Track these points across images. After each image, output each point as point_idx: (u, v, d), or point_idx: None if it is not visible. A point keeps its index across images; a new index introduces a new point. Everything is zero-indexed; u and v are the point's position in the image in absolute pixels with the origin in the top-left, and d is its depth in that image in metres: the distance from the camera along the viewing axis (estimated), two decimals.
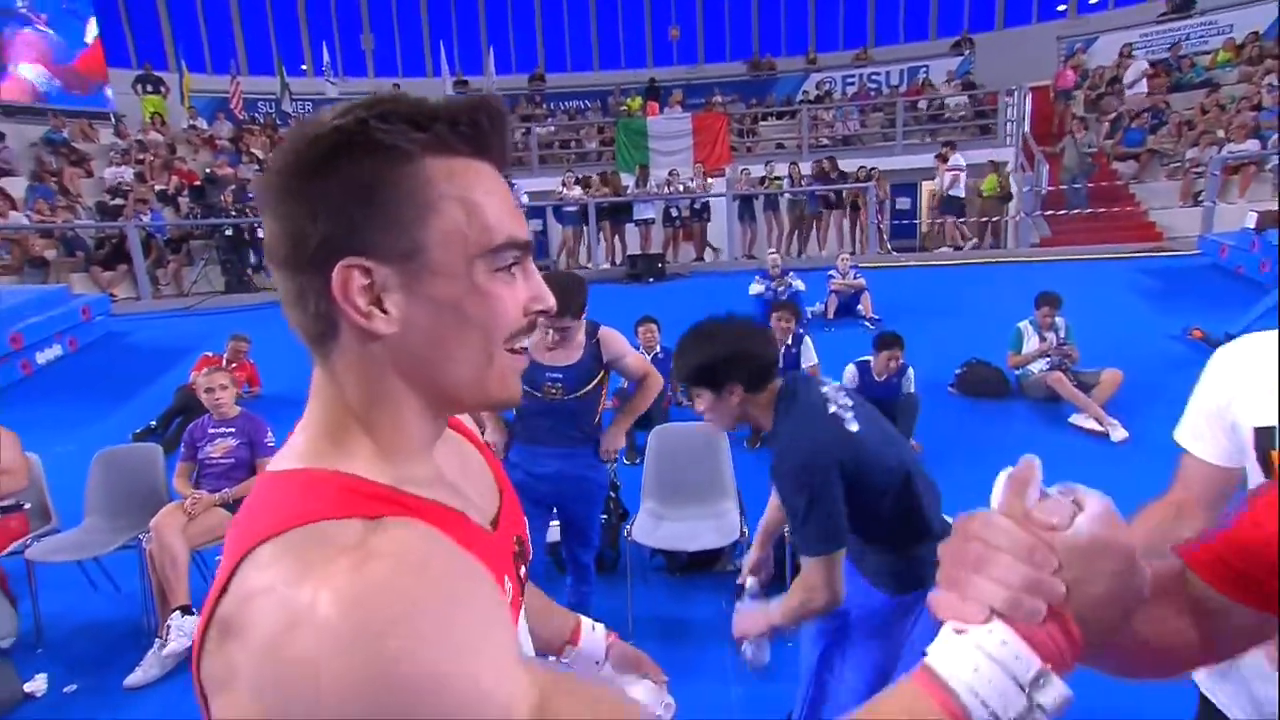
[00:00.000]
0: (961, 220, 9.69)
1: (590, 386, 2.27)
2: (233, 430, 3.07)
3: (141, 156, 10.24)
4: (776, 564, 2.11)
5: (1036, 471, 0.46)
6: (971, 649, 0.43)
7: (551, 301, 0.54)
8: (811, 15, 15.99)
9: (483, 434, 2.38)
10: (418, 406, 0.52)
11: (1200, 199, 8.30)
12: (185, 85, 12.51)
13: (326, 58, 13.80)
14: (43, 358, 5.85)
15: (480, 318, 0.50)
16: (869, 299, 6.59)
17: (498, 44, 15.52)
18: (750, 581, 1.86)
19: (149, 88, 12.02)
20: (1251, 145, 8.40)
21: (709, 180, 10.37)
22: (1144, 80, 10.53)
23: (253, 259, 8.40)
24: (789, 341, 4.46)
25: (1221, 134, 8.78)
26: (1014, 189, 9.73)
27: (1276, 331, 0.91)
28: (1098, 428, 4.28)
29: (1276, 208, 6.51)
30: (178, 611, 2.69)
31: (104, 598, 3.19)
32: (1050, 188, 9.61)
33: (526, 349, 0.56)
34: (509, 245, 0.51)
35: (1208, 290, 6.37)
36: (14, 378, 5.62)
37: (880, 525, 1.45)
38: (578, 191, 9.93)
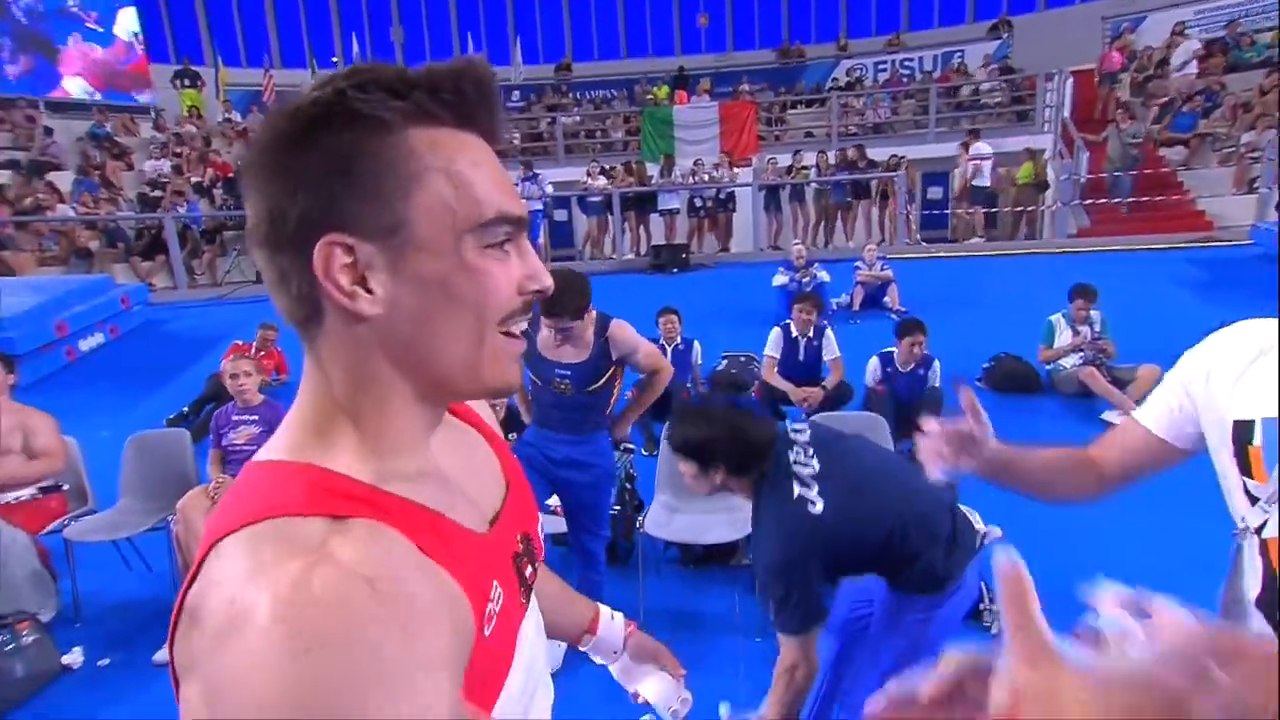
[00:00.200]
0: (990, 210, 9.41)
1: (600, 383, 2.27)
2: (255, 417, 3.15)
3: (179, 149, 10.55)
4: None
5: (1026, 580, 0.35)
6: None
7: (548, 281, 0.51)
8: (843, 1, 15.64)
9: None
10: (408, 394, 0.50)
11: (1255, 186, 7.91)
12: (221, 79, 12.83)
13: (356, 49, 13.99)
14: (86, 345, 6.09)
15: (471, 297, 0.47)
16: (896, 291, 6.45)
17: (525, 34, 15.57)
18: (725, 708, 1.90)
19: (187, 82, 12.36)
20: None
21: (735, 170, 10.26)
22: (1194, 61, 10.05)
23: None
24: (810, 334, 4.39)
25: None
26: (1051, 177, 9.41)
27: (1272, 322, 0.87)
28: None
29: None
30: None
31: (137, 576, 3.31)
32: (1090, 175, 9.26)
33: (527, 333, 0.53)
34: (500, 220, 0.48)
35: (1259, 281, 6.07)
36: (59, 364, 5.86)
37: (885, 556, 1.52)
38: (602, 181, 9.91)
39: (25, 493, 3.11)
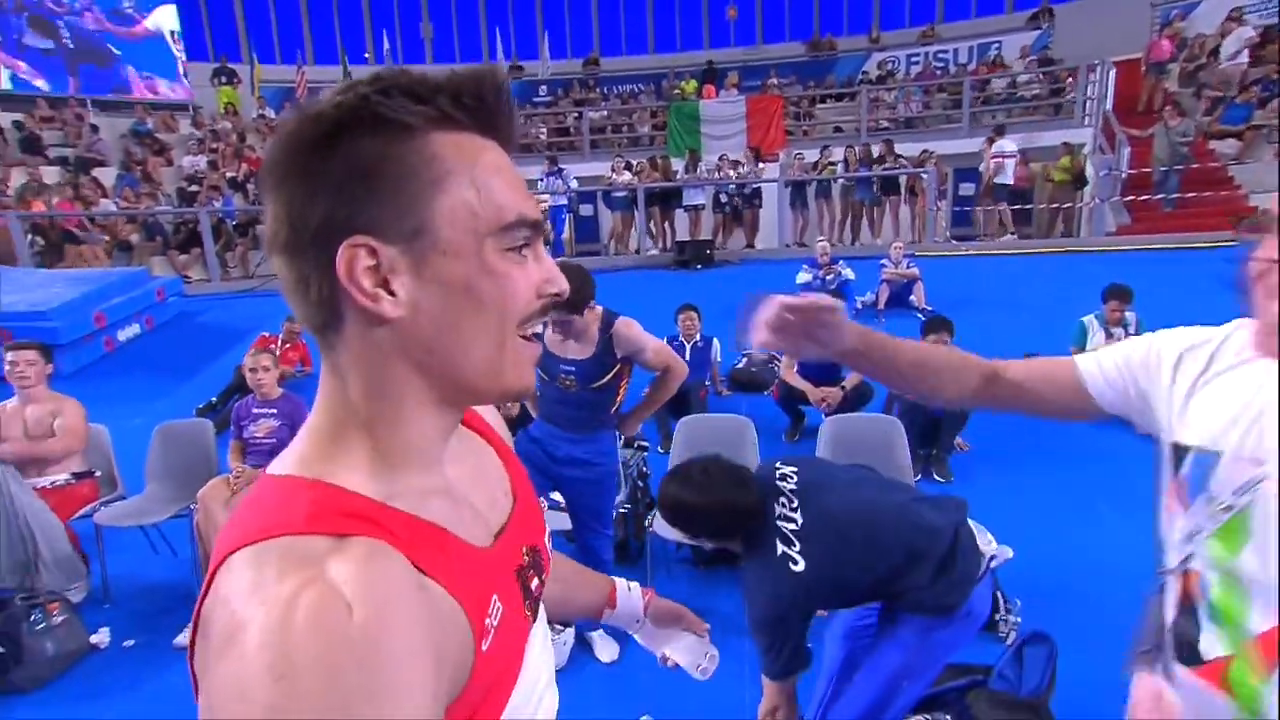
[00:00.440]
0: (1016, 207, 9.12)
1: (605, 380, 2.25)
2: (274, 411, 3.21)
3: (215, 145, 10.84)
4: None
5: None
6: None
7: (564, 284, 0.52)
8: None
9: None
10: (427, 398, 0.50)
11: None
12: (255, 76, 13.14)
13: (387, 46, 14.19)
14: (123, 335, 6.30)
15: (493, 299, 0.48)
16: (922, 289, 6.31)
17: (553, 28, 15.59)
18: None
19: (224, 79, 12.70)
20: None
21: (761, 166, 10.14)
22: (1246, 50, 9.56)
23: None
24: None
25: None
26: (1090, 173, 9.08)
27: (1236, 335, 0.85)
28: None
29: None
30: None
31: (163, 560, 3.41)
32: (1132, 170, 8.91)
33: (540, 337, 0.55)
34: (520, 224, 0.49)
35: None
36: (98, 354, 6.07)
37: (875, 595, 1.56)
38: (627, 176, 9.89)
39: (60, 478, 3.23)
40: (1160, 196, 8.54)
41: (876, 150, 9.84)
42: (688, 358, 4.57)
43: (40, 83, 11.91)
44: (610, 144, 12.19)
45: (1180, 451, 0.82)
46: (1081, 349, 4.47)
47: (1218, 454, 0.78)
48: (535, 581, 0.59)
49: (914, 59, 13.81)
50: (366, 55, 15.61)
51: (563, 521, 2.69)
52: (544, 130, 12.28)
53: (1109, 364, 0.93)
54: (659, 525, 2.84)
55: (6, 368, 3.21)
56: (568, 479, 2.38)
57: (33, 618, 2.63)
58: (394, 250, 0.45)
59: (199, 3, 14.87)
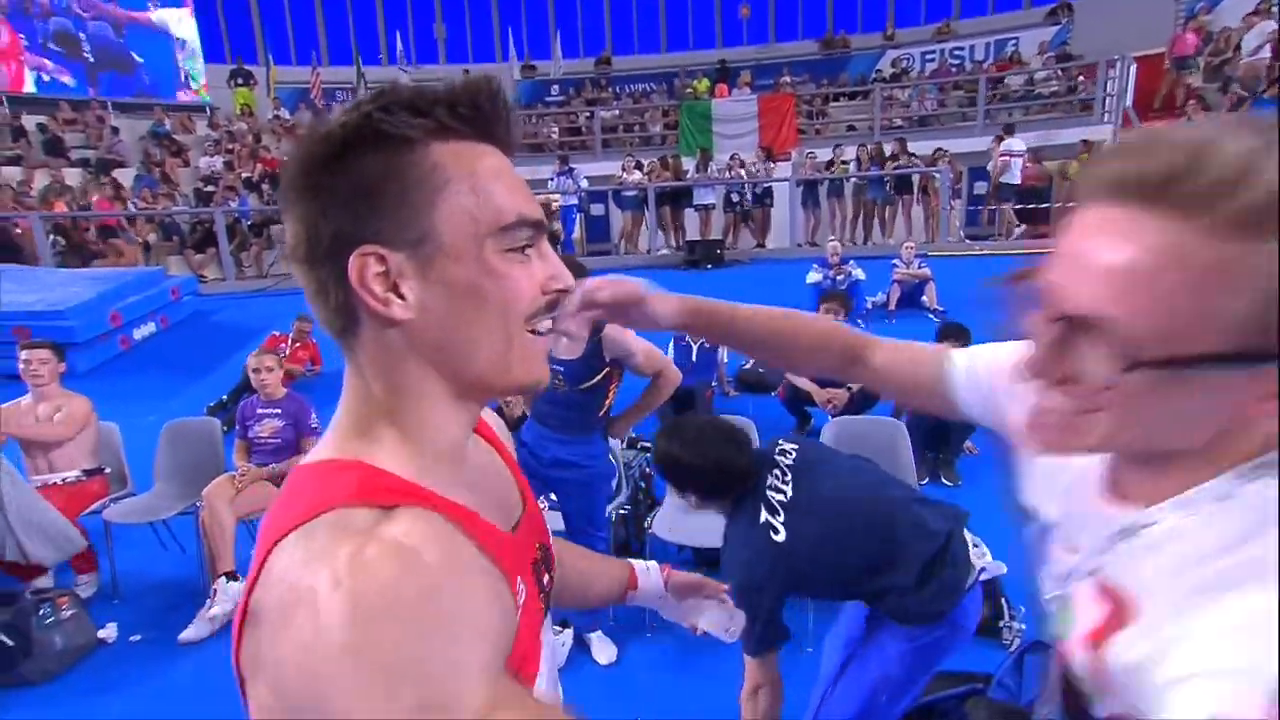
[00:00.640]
0: (1028, 207, 8.97)
1: (594, 382, 2.24)
2: (279, 411, 3.23)
3: (231, 146, 10.98)
4: None
5: None
6: None
7: (570, 280, 0.54)
8: None
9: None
10: (444, 393, 0.52)
11: None
12: (271, 77, 13.30)
13: (400, 46, 14.29)
14: (139, 334, 6.40)
15: (496, 298, 0.50)
16: (934, 289, 6.23)
17: (565, 28, 15.61)
18: None
19: (240, 81, 12.87)
20: None
21: (772, 165, 10.07)
22: (1268, 45, 9.30)
23: None
24: None
25: None
26: None
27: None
28: None
29: None
30: (224, 577, 2.87)
31: (172, 557, 3.46)
32: None
33: (552, 331, 0.56)
34: (520, 224, 0.51)
35: None
36: (113, 352, 6.17)
37: (854, 589, 1.52)
38: (637, 176, 9.87)
39: (70, 475, 3.28)
40: None
41: (889, 149, 9.73)
42: (694, 358, 4.54)
43: (67, 79, 12.12)
44: (622, 143, 12.18)
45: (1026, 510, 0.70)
46: None
47: (1044, 526, 0.65)
48: (546, 577, 0.62)
49: (929, 56, 13.65)
50: (381, 56, 15.74)
51: (559, 522, 2.69)
52: (555, 130, 12.29)
53: (981, 364, 0.77)
54: (659, 526, 2.82)
55: (21, 366, 3.27)
56: (556, 480, 2.37)
57: (41, 612, 2.67)
58: (401, 256, 0.48)
59: (216, 6, 15.08)
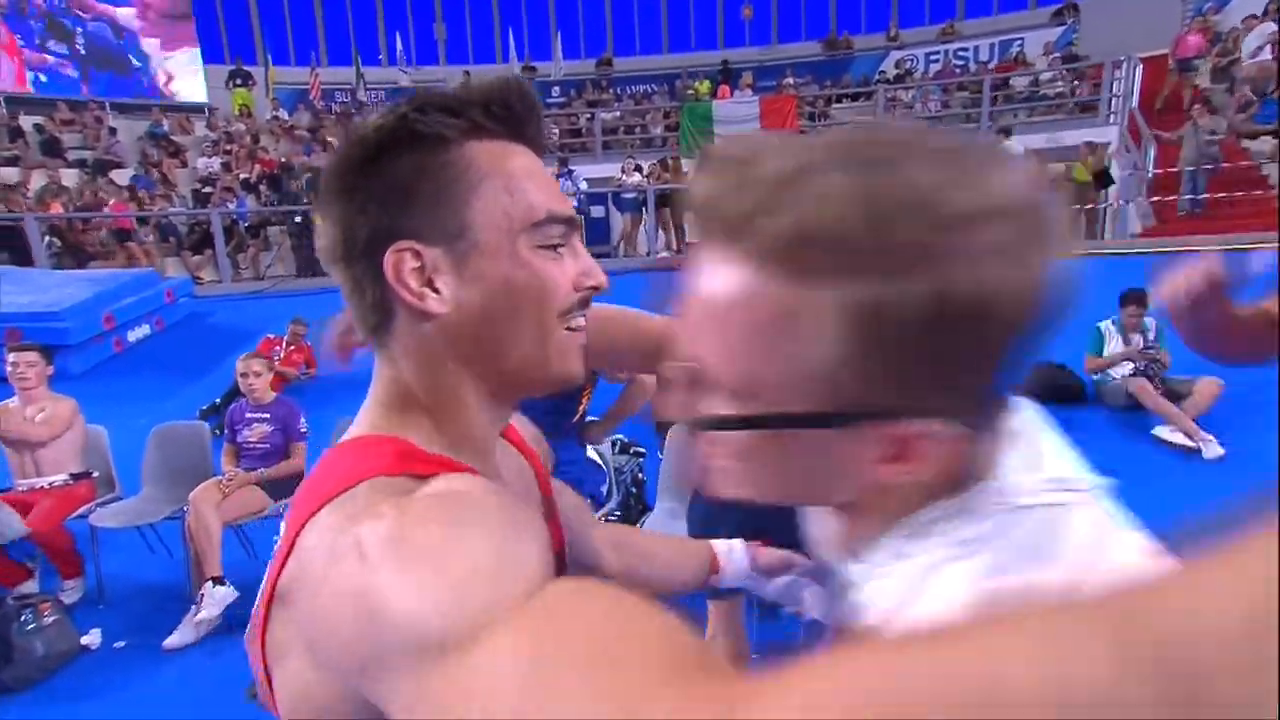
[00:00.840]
0: None
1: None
2: (267, 416, 3.20)
3: (229, 147, 10.98)
4: None
5: None
6: None
7: (603, 278, 0.55)
8: None
9: None
10: (478, 390, 0.53)
11: None
12: (270, 78, 13.30)
13: (400, 47, 14.29)
14: (133, 336, 6.38)
15: (531, 294, 0.51)
16: None
17: (566, 29, 15.57)
18: None
19: (239, 82, 12.87)
20: None
21: None
22: (1269, 46, 9.21)
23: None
24: None
25: None
26: (1115, 173, 8.82)
27: None
28: (1188, 442, 3.82)
29: None
30: (210, 582, 2.84)
31: (159, 562, 3.42)
32: (1158, 170, 8.64)
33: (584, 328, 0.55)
34: (551, 220, 0.51)
35: None
36: (107, 355, 6.14)
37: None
38: (637, 178, 9.84)
39: (57, 479, 3.26)
40: (1189, 197, 8.25)
41: None
42: None
43: (70, 70, 12.10)
44: (622, 145, 12.14)
45: None
46: (1098, 355, 4.33)
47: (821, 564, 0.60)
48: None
49: (933, 57, 13.59)
50: (380, 57, 15.74)
51: None
52: (555, 131, 12.27)
53: None
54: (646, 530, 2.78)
55: (9, 368, 3.25)
56: None
57: (23, 618, 2.63)
58: (436, 252, 0.49)
59: (214, 6, 15.10)
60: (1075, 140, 9.28)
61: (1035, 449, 0.42)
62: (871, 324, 0.32)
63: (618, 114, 13.04)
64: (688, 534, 1.41)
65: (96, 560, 3.15)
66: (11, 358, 3.26)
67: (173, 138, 11.30)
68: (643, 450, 3.58)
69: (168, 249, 9.02)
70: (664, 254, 9.50)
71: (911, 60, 13.66)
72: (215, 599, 2.82)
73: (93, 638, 2.82)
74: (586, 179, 10.15)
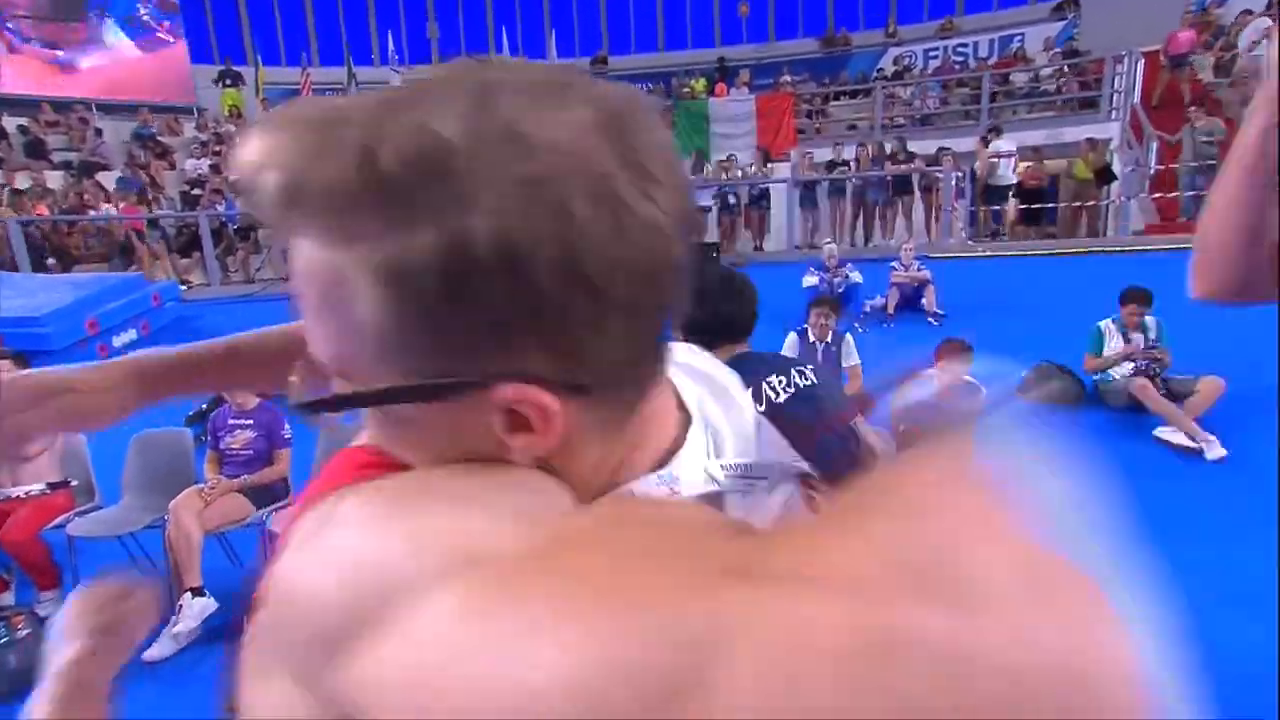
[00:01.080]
0: (1034, 206, 8.84)
1: None
2: (251, 422, 3.13)
3: (218, 148, 10.86)
4: None
5: None
6: None
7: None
8: None
9: None
10: None
11: None
12: (259, 78, 13.17)
13: (392, 46, 14.17)
14: (119, 341, 6.27)
15: None
16: (933, 292, 6.09)
17: (560, 26, 15.45)
18: None
19: (229, 82, 12.74)
20: None
21: (770, 166, 9.93)
22: (1265, 40, 9.12)
23: None
24: (828, 339, 4.13)
25: None
26: (1117, 169, 8.74)
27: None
28: (1189, 443, 3.74)
29: None
30: (189, 593, 2.76)
31: (140, 572, 3.33)
32: (1160, 167, 8.56)
33: None
34: None
35: None
36: (91, 360, 6.04)
37: None
38: None
39: (35, 488, 3.16)
40: (1190, 194, 8.16)
41: (889, 148, 9.60)
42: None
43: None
44: None
45: None
46: (1097, 354, 4.25)
47: None
48: None
49: (932, 53, 13.50)
50: (373, 56, 15.61)
51: None
52: None
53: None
54: None
55: None
56: None
57: None
58: None
59: (203, 6, 14.96)
60: (1076, 136, 9.21)
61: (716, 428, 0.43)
62: (401, 283, 0.30)
63: None
64: None
65: (75, 571, 3.06)
66: None
67: (160, 139, 11.18)
68: None
69: (155, 251, 8.91)
70: None
71: (910, 57, 13.58)
72: (194, 611, 2.75)
73: None
74: None
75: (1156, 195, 8.42)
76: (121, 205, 8.92)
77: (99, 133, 10.71)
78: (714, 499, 0.40)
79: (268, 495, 3.10)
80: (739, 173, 9.59)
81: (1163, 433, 3.90)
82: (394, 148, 0.29)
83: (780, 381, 1.40)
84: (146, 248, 8.52)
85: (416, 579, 0.26)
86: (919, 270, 6.22)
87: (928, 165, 9.09)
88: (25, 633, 2.62)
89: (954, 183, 8.65)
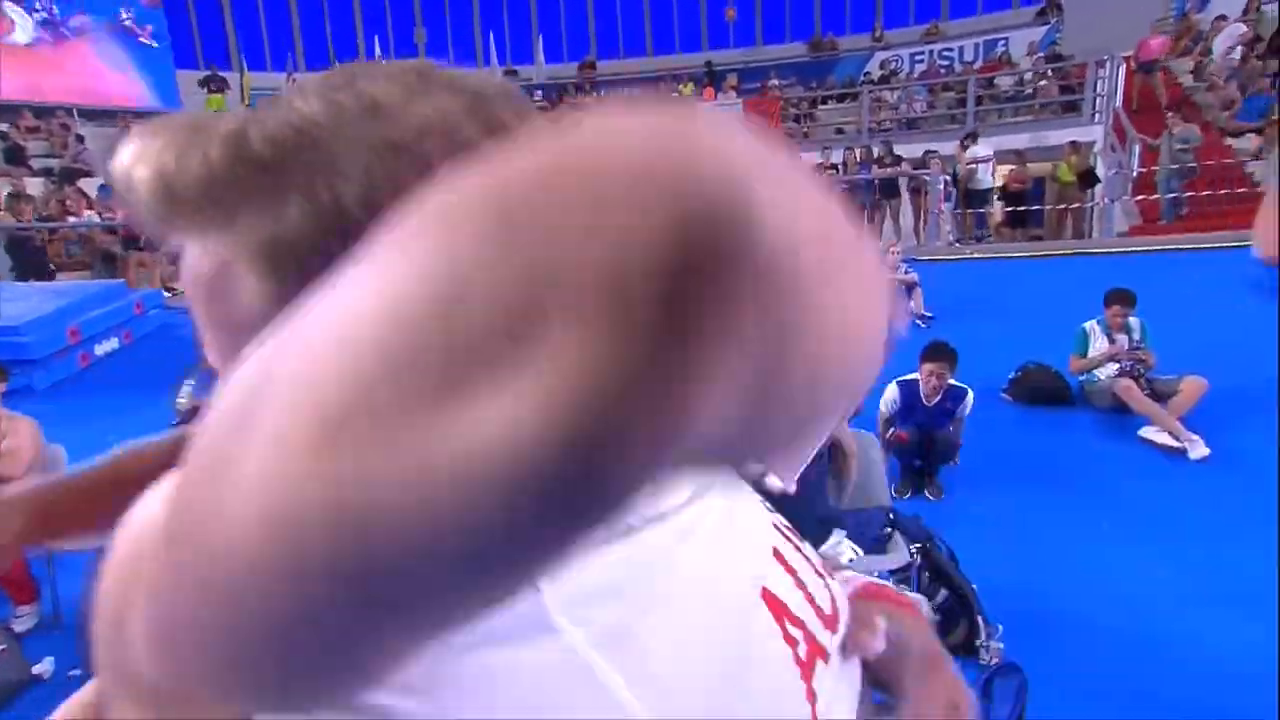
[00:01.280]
0: (1019, 209, 8.91)
1: None
2: None
3: None
4: None
5: None
6: None
7: None
8: None
9: None
10: None
11: None
12: (244, 83, 13.08)
13: (379, 50, 14.12)
14: (101, 350, 6.18)
15: None
16: (920, 295, 6.11)
17: (548, 32, 15.46)
18: None
19: (212, 87, 12.65)
20: None
21: None
22: (1239, 46, 9.24)
23: None
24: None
25: None
26: (1101, 172, 8.83)
27: None
28: (1173, 443, 3.77)
29: None
30: None
31: None
32: (1143, 169, 8.65)
33: None
34: None
35: None
36: (73, 369, 5.93)
37: None
38: None
39: None
40: (1172, 196, 8.25)
41: (877, 152, 9.66)
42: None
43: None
44: None
45: None
46: (1082, 355, 4.28)
47: None
48: None
49: (918, 57, 13.62)
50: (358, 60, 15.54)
51: None
52: None
53: None
54: None
55: None
56: None
57: None
58: None
59: (187, 10, 14.84)
60: (1060, 140, 9.30)
61: None
62: (278, 262, 0.29)
63: None
64: None
65: (53, 585, 3.00)
66: None
67: None
68: None
69: (139, 258, 8.79)
70: None
71: (896, 61, 13.68)
72: None
73: (44, 666, 2.69)
74: None
75: (1140, 198, 8.50)
76: (122, 213, 8.83)
77: (80, 139, 10.59)
78: None
79: None
80: None
81: (1147, 433, 3.92)
82: (260, 130, 0.29)
83: None
84: (135, 256, 8.41)
85: None
86: (906, 273, 6.24)
87: (914, 169, 9.14)
88: (1, 649, 2.59)
89: (941, 186, 8.71)
